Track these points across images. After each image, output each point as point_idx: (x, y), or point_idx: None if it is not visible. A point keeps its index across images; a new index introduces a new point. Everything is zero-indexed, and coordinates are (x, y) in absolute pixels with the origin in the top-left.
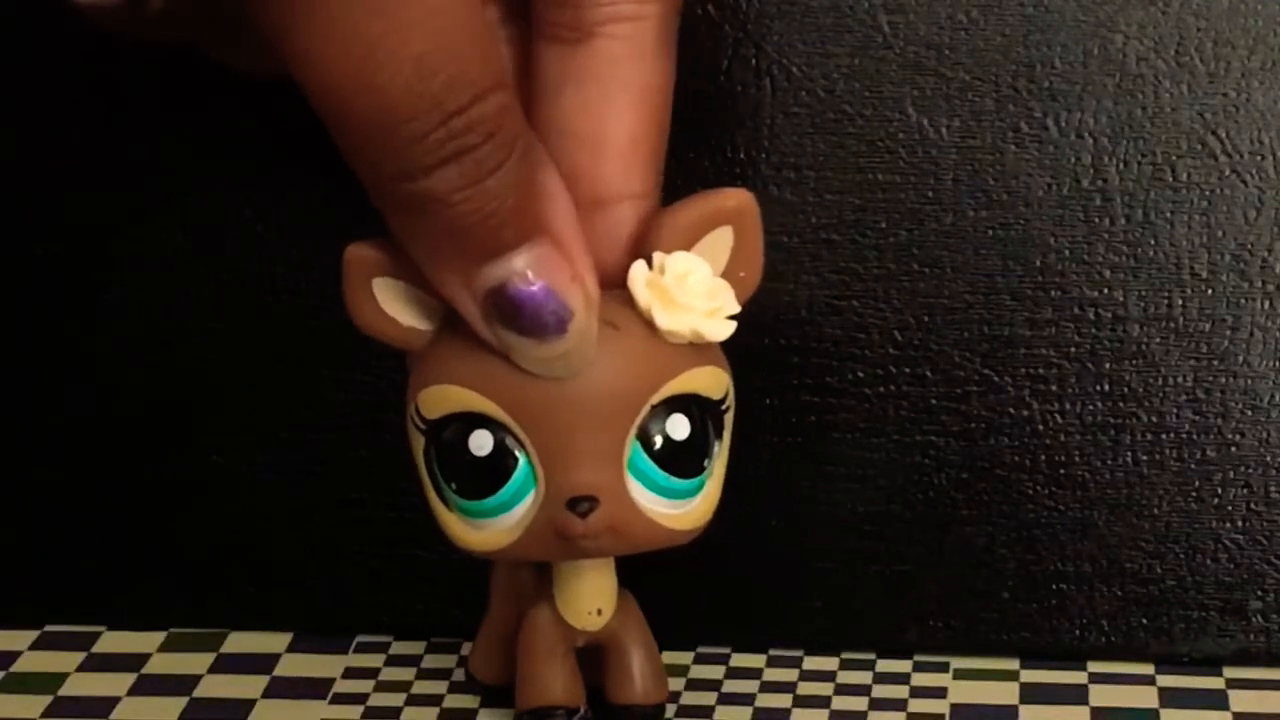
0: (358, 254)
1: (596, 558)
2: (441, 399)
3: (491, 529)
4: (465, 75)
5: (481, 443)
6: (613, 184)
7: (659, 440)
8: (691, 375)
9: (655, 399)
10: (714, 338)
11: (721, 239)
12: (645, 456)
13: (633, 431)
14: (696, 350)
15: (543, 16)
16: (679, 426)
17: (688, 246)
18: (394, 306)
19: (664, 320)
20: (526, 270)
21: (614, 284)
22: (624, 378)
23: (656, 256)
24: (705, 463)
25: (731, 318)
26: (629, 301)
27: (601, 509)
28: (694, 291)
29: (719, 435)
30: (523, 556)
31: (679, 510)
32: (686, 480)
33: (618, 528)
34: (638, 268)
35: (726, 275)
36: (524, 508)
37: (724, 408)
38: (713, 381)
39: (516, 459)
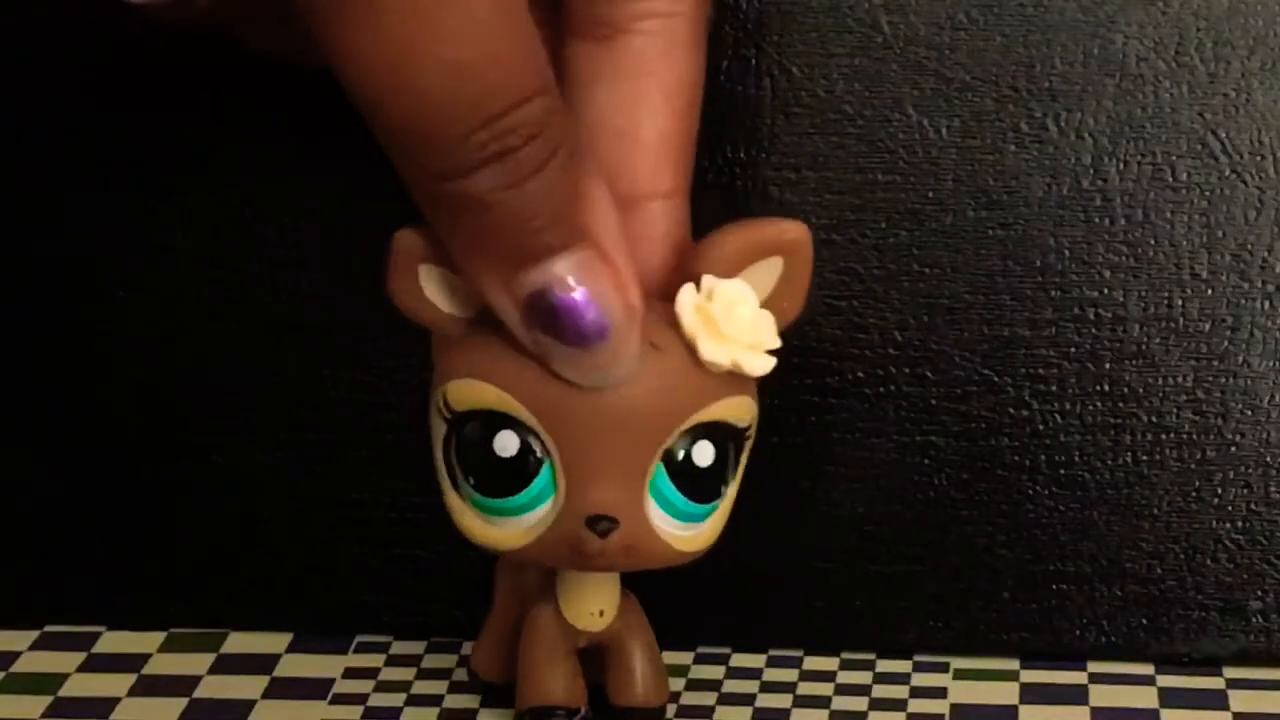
0: (407, 240)
1: (604, 572)
2: (471, 394)
3: (505, 528)
4: (506, 81)
5: (506, 444)
6: (644, 182)
7: (683, 465)
8: (724, 404)
9: (687, 424)
10: (753, 372)
11: (771, 268)
12: (667, 479)
13: (659, 453)
14: (732, 379)
15: (574, 13)
16: (704, 453)
17: (737, 271)
18: (438, 294)
19: (707, 350)
20: (567, 276)
21: (644, 284)
22: (659, 399)
23: (706, 280)
24: (723, 488)
25: (771, 353)
26: (673, 322)
27: (620, 530)
28: (739, 324)
29: (738, 461)
30: (531, 561)
31: (690, 532)
32: (703, 505)
33: (634, 548)
34: (687, 291)
35: (769, 304)
36: (540, 513)
37: (747, 435)
38: (742, 410)
39: (540, 464)
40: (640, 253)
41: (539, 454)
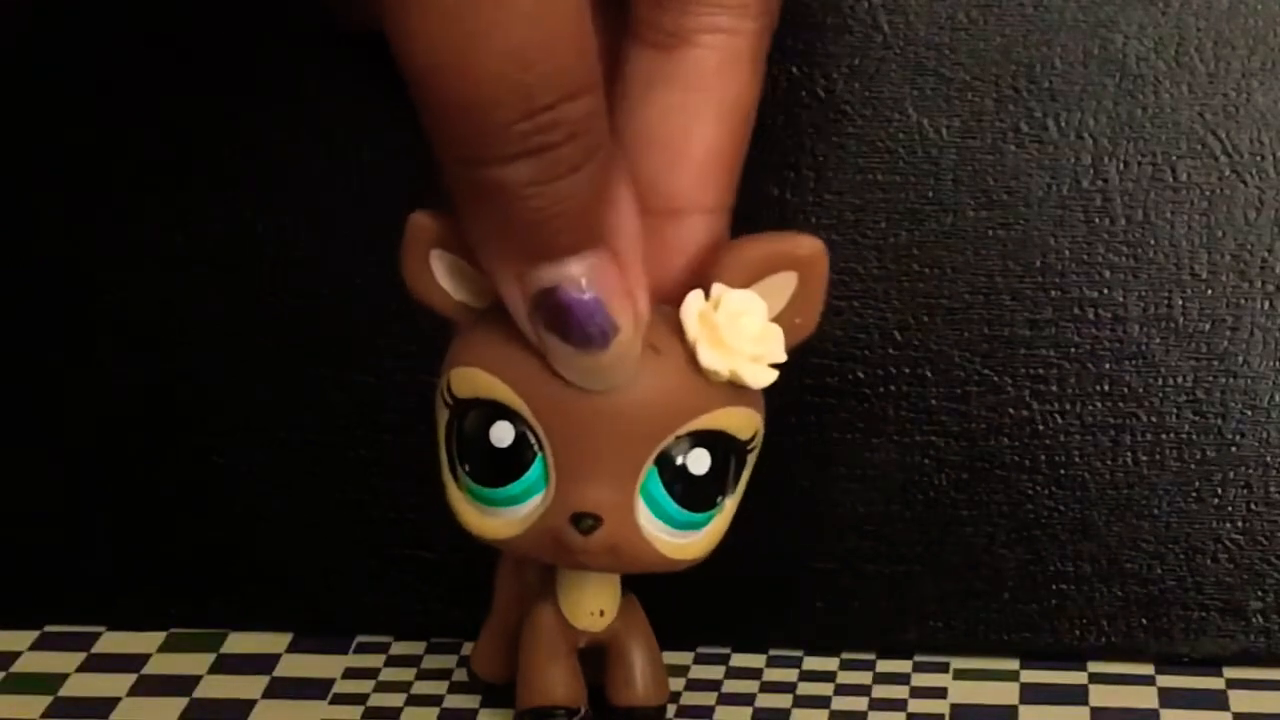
0: (421, 222)
1: (594, 571)
2: (471, 381)
3: (498, 518)
4: (560, 73)
5: (502, 435)
6: (687, 195)
7: (677, 471)
8: (723, 414)
9: (682, 430)
10: (753, 384)
11: (785, 282)
12: (660, 483)
13: (653, 456)
14: (734, 389)
15: (640, 18)
16: (700, 461)
17: (750, 282)
18: (449, 280)
19: (706, 357)
20: (580, 278)
21: (674, 297)
22: (655, 403)
23: (715, 288)
24: (719, 499)
25: (775, 366)
26: (677, 327)
27: (604, 529)
28: (743, 334)
29: (739, 474)
30: (522, 553)
31: (682, 540)
32: (696, 513)
33: (618, 549)
34: (693, 297)
35: (782, 319)
36: (532, 505)
37: (750, 448)
38: (744, 422)
39: (534, 456)
40: (672, 265)
41: (533, 447)
